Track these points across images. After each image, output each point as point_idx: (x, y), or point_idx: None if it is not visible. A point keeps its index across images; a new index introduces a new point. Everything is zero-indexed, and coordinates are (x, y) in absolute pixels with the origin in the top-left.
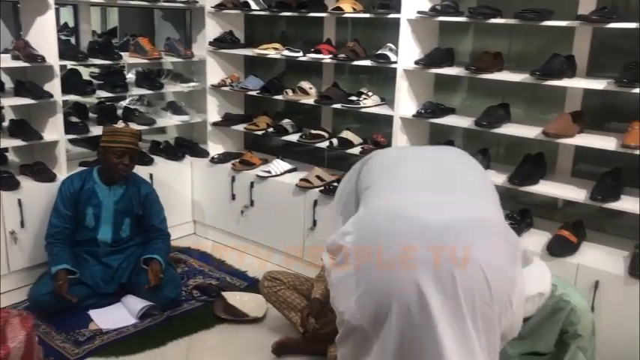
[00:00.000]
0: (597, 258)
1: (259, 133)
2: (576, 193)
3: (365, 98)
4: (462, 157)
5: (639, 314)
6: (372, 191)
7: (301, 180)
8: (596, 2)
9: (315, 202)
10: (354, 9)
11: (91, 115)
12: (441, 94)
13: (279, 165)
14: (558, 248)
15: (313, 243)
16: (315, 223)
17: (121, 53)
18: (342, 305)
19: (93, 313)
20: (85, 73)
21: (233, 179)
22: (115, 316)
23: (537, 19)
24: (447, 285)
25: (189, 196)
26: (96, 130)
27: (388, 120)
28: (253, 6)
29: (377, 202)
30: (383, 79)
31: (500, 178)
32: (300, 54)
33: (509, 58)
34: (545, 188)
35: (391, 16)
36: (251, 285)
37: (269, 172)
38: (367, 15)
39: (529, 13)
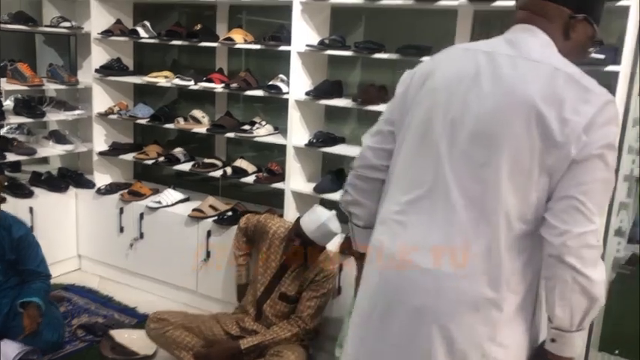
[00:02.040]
0: None
1: (149, 162)
2: None
3: (258, 127)
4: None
5: None
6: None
7: (194, 210)
8: (470, 38)
9: (209, 233)
10: (246, 40)
11: None
12: (332, 123)
13: (170, 195)
14: None
15: (207, 275)
16: (209, 254)
17: None
18: None
19: None
20: None
21: (121, 211)
22: None
23: (417, 55)
24: None
25: (73, 229)
26: None
27: (282, 148)
28: (142, 34)
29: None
30: (277, 108)
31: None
32: (192, 83)
33: (393, 91)
34: None
35: (281, 48)
36: (141, 321)
37: (160, 202)
38: (258, 46)
39: (409, 48)
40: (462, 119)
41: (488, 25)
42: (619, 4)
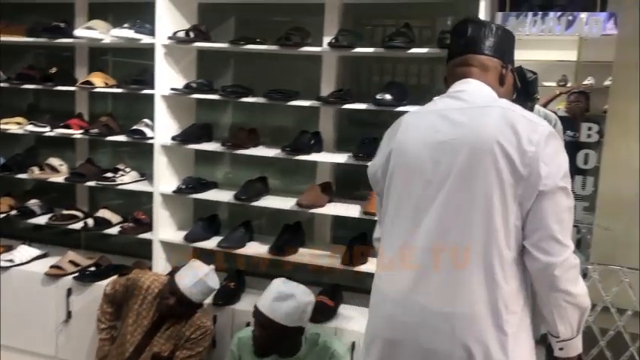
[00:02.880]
0: (354, 319)
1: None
2: (332, 259)
3: (122, 174)
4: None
5: None
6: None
7: (51, 267)
8: (335, 85)
9: (69, 291)
10: (106, 83)
11: None
12: (203, 168)
13: (25, 251)
14: (318, 315)
15: (69, 338)
16: (69, 314)
17: None
18: None
19: None
20: None
21: None
22: None
23: (283, 100)
24: None
25: None
26: None
27: (149, 196)
28: None
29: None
30: (144, 153)
31: (263, 249)
32: (47, 129)
33: (265, 133)
34: (304, 257)
35: (145, 92)
36: None
37: (12, 260)
38: (120, 90)
39: (276, 93)
40: (437, 176)
41: (353, 68)
42: None
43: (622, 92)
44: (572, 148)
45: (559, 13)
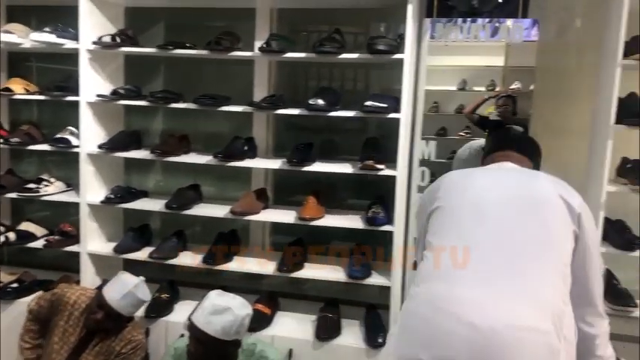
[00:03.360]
0: (290, 326)
1: None
2: (267, 267)
3: (47, 185)
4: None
5: None
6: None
7: None
8: (268, 90)
9: None
10: (27, 90)
11: None
12: (133, 177)
13: None
14: (254, 323)
15: None
16: None
17: None
18: None
19: None
20: None
21: None
22: None
23: (214, 105)
24: None
25: None
26: None
27: (77, 206)
28: None
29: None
30: (70, 162)
31: (196, 260)
32: None
33: (197, 140)
34: (238, 265)
35: (70, 98)
36: None
37: None
38: (42, 97)
39: (206, 99)
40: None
41: (287, 74)
42: (395, 57)
43: (544, 95)
44: None
45: (485, 20)
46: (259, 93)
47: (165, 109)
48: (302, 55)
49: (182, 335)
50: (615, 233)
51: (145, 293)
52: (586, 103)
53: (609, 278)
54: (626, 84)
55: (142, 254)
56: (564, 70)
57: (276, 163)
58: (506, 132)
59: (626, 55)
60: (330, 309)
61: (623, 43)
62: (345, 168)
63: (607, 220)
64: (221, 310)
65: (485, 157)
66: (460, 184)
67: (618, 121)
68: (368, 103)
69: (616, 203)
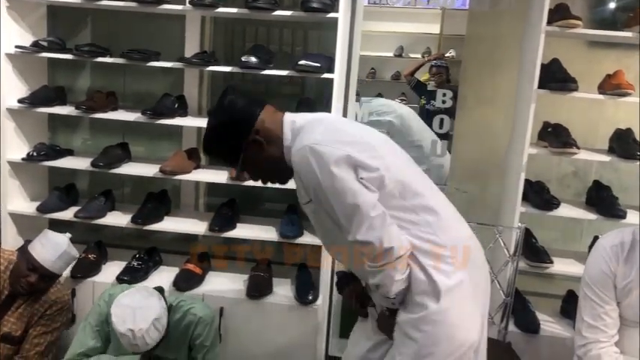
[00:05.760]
0: (221, 285)
1: None
2: (198, 226)
3: None
4: None
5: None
6: None
7: None
8: (199, 47)
9: None
10: None
11: None
12: (59, 135)
13: None
14: (184, 282)
15: None
16: None
17: None
18: None
19: None
20: None
21: None
22: None
23: (143, 60)
24: None
25: None
26: None
27: None
28: None
29: None
30: None
31: (125, 219)
32: None
33: (126, 98)
34: (169, 225)
35: None
36: None
37: None
38: None
39: (135, 53)
40: None
41: (221, 31)
42: (329, 15)
43: (473, 63)
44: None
45: None
46: (190, 49)
47: (93, 65)
48: (234, 10)
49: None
50: (534, 194)
51: (74, 250)
52: (514, 72)
53: (528, 237)
54: (549, 52)
55: (68, 214)
56: (493, 37)
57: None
58: None
59: (549, 22)
60: (261, 268)
61: (547, 10)
62: None
63: (527, 182)
64: None
65: None
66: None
67: (541, 86)
68: (301, 62)
69: (536, 165)
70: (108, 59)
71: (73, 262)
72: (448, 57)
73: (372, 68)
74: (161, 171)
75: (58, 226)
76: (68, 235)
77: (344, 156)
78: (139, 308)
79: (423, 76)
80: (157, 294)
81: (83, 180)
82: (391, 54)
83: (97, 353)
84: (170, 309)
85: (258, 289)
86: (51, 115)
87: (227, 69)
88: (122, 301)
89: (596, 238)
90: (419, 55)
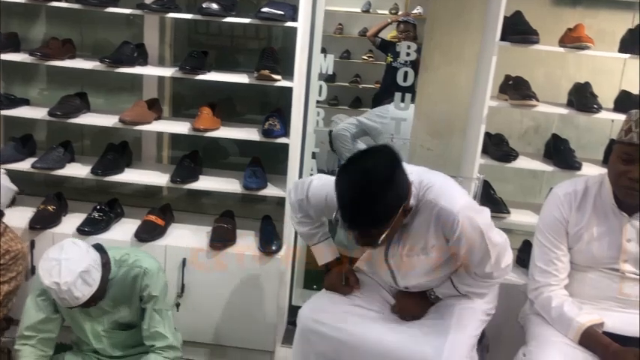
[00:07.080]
0: (184, 237)
1: None
2: (160, 178)
3: None
4: None
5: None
6: None
7: None
8: None
9: None
10: None
11: None
12: (13, 84)
13: None
14: (145, 233)
15: None
16: None
17: None
18: None
19: None
20: None
21: None
22: None
23: (100, 5)
24: None
25: None
26: None
27: None
28: None
29: None
30: None
31: (84, 171)
32: None
33: (84, 46)
34: (130, 176)
35: None
36: None
37: None
38: None
39: None
40: None
41: None
42: None
43: (439, 20)
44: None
45: None
46: None
47: (48, 12)
48: None
49: None
50: (494, 146)
51: (12, 184)
52: (480, 29)
53: (486, 188)
54: (513, 7)
55: (26, 164)
56: None
57: (168, 71)
58: None
59: None
60: (225, 219)
61: None
62: (241, 78)
63: (487, 135)
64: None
65: None
66: None
67: (503, 38)
68: (264, 9)
69: (498, 120)
70: (63, 4)
71: (12, 196)
72: (415, 14)
73: (340, 24)
74: (121, 121)
75: (15, 177)
76: (3, 170)
77: None
78: (65, 260)
79: (390, 33)
80: (86, 247)
81: (41, 131)
82: (359, 9)
83: (47, 324)
84: (115, 264)
85: (221, 239)
86: (4, 63)
87: (188, 16)
88: (49, 255)
89: (551, 190)
90: (386, 12)
